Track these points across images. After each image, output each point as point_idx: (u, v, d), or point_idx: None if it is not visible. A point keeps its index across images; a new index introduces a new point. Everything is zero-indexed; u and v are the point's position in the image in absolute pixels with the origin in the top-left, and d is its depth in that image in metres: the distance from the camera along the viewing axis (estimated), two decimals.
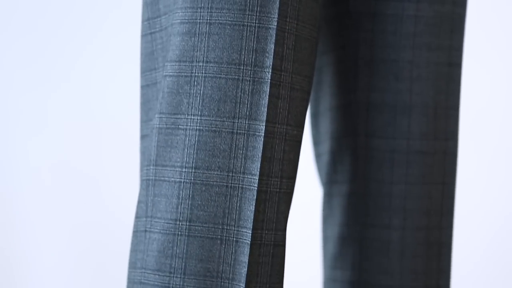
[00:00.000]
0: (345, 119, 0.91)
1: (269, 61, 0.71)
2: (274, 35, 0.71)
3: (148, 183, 0.73)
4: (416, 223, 0.88)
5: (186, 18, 0.72)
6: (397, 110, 0.88)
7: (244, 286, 0.70)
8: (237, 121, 0.71)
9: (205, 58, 0.71)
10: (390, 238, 0.88)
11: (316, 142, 0.98)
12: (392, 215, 0.88)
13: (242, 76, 0.71)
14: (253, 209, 0.71)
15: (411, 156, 0.88)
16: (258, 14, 0.71)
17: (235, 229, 0.71)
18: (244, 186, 0.71)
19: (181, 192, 0.71)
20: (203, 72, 0.71)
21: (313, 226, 1.24)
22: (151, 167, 0.73)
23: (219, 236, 0.71)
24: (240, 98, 0.71)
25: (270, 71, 0.71)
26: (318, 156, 0.97)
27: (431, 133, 0.88)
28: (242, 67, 0.71)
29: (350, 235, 0.91)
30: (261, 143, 0.71)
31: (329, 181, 0.94)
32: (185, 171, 0.71)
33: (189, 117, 0.72)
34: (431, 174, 0.88)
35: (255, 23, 0.71)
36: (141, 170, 0.77)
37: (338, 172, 0.93)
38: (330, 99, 0.93)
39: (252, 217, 0.71)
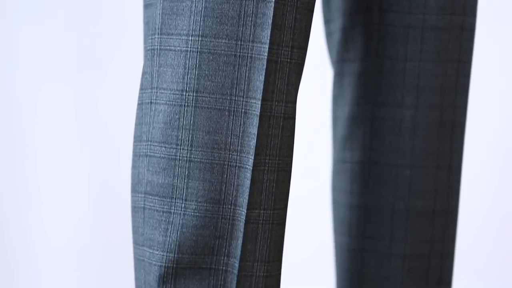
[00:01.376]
0: None
1: None
2: None
3: (153, 53, 0.70)
4: (430, 101, 0.85)
5: None
6: None
7: (252, 158, 0.68)
8: None
9: None
10: (402, 116, 0.86)
11: (327, 21, 0.94)
12: (405, 93, 0.85)
13: None
14: (263, 79, 0.68)
15: (427, 32, 0.84)
16: None
17: (244, 100, 0.68)
18: (253, 55, 0.68)
19: (187, 61, 0.68)
20: None
21: (323, 105, 1.21)
22: (156, 36, 0.70)
23: (227, 107, 0.68)
24: None
25: None
26: (329, 34, 0.94)
27: (448, 7, 0.84)
28: None
29: (361, 114, 0.88)
30: (272, 9, 0.68)
31: (340, 60, 0.91)
32: (191, 40, 0.68)
33: None
34: (447, 51, 0.85)
35: None
36: (145, 41, 0.74)
37: (349, 50, 0.89)
38: None
39: (262, 88, 0.68)
